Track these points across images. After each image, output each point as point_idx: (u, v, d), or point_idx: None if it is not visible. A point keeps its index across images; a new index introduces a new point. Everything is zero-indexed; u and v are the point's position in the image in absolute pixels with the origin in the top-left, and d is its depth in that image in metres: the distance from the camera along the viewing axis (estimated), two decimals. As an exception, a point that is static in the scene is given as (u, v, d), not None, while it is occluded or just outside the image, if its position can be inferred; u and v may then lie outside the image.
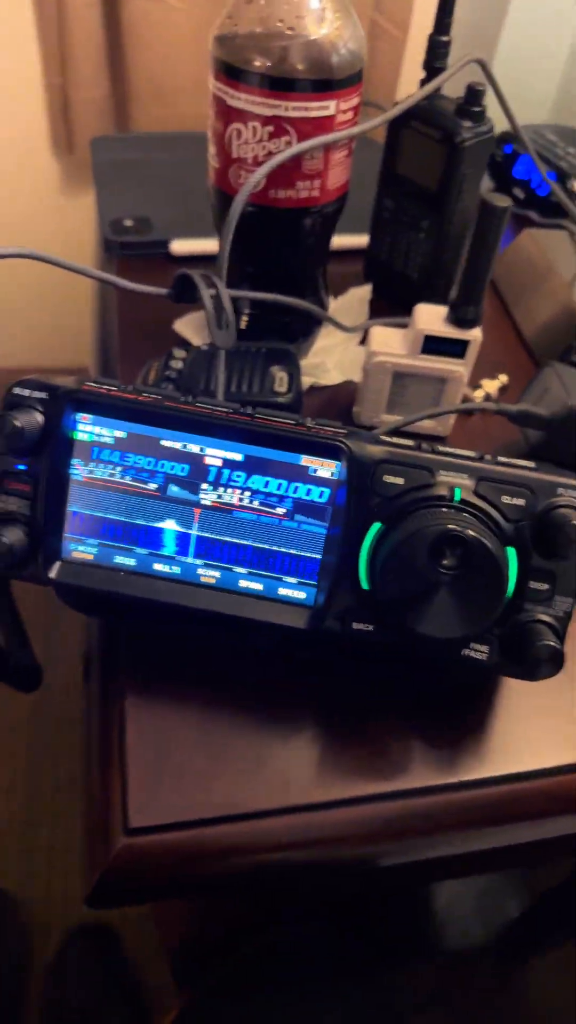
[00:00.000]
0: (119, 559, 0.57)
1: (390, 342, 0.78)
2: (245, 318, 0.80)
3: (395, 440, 0.55)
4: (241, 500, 0.56)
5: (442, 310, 0.77)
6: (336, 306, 0.94)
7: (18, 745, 1.56)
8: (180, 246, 1.05)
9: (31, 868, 1.45)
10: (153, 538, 0.56)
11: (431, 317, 0.76)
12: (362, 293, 0.97)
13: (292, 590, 0.56)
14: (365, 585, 0.55)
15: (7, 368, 2.28)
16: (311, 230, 0.79)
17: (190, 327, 0.93)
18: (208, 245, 1.04)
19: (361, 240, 1.04)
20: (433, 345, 0.75)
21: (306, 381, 0.85)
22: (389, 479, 0.53)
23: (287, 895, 0.63)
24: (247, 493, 0.56)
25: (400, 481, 0.53)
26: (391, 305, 0.97)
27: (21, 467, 0.56)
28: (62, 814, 1.49)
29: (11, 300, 2.21)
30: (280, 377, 0.73)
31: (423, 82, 0.87)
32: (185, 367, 0.74)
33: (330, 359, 0.89)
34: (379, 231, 0.96)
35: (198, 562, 0.57)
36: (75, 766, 1.54)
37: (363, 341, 0.91)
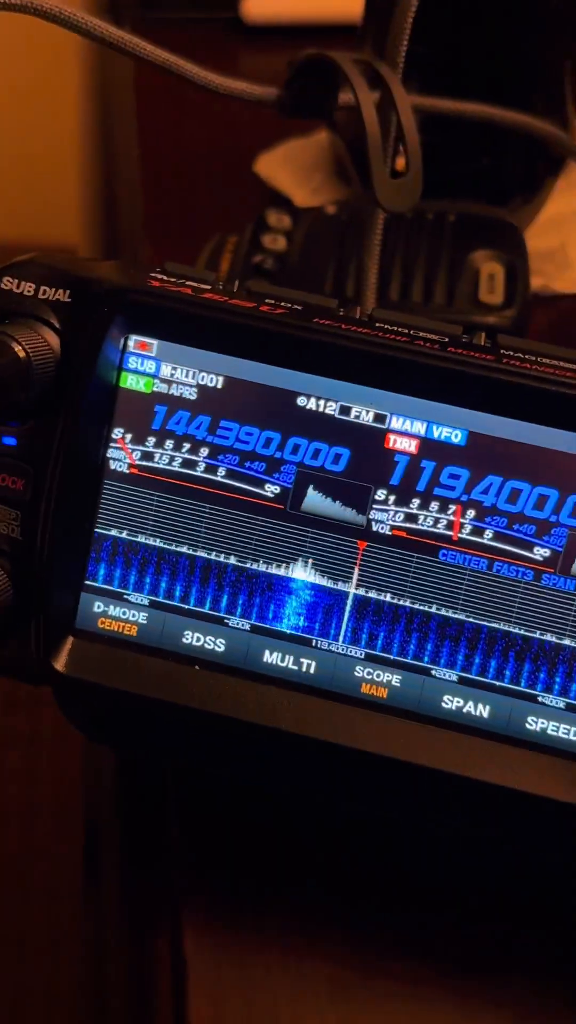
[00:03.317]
0: (191, 637, 0.38)
1: None
2: (401, 158, 0.53)
3: None
4: (461, 528, 0.36)
5: None
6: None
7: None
8: (263, 5, 0.76)
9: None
10: (266, 598, 0.38)
11: None
12: None
13: (563, 723, 0.36)
14: None
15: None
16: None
17: (294, 168, 0.66)
18: (327, 4, 0.75)
19: None
20: None
21: (533, 283, 0.60)
22: None
23: None
24: (471, 513, 0.36)
25: None
26: None
27: (9, 441, 0.37)
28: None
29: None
30: (490, 273, 0.54)
31: None
32: (292, 248, 0.55)
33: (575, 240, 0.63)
34: None
35: (355, 653, 0.37)
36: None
37: None
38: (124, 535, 0.37)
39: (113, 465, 0.36)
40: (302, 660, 0.36)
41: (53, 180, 1.69)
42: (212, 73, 0.47)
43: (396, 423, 0.35)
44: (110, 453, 0.36)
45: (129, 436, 0.36)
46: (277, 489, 0.36)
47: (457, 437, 0.34)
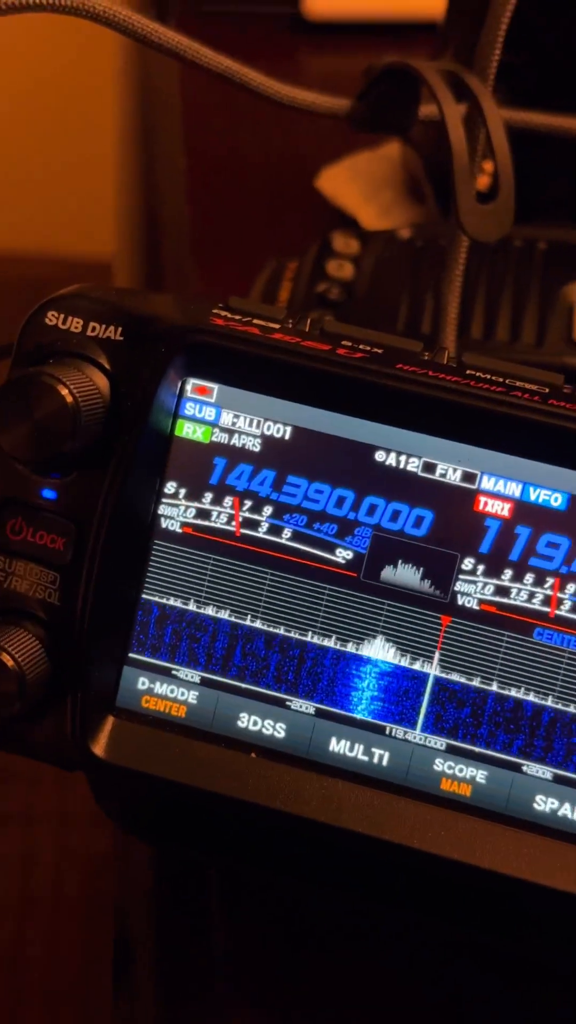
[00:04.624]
0: (247, 720, 0.35)
1: None
2: (486, 177, 0.50)
3: None
4: (560, 604, 0.33)
5: None
6: None
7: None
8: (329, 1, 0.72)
9: None
10: (334, 679, 0.35)
11: None
12: None
13: None
14: None
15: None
16: None
17: (362, 185, 0.62)
18: (399, 1, 0.71)
19: None
20: None
21: None
22: None
23: None
24: (572, 587, 0.32)
25: None
26: None
27: (50, 494, 0.34)
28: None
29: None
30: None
31: None
32: (360, 276, 0.52)
33: None
34: None
35: (435, 744, 0.34)
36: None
37: None
38: (174, 603, 0.34)
39: (164, 524, 0.33)
40: (374, 750, 0.33)
41: (86, 189, 1.62)
42: (276, 82, 0.44)
43: (488, 483, 0.32)
44: (161, 510, 0.33)
45: (183, 491, 0.33)
46: (350, 555, 0.33)
47: (557, 501, 0.31)
